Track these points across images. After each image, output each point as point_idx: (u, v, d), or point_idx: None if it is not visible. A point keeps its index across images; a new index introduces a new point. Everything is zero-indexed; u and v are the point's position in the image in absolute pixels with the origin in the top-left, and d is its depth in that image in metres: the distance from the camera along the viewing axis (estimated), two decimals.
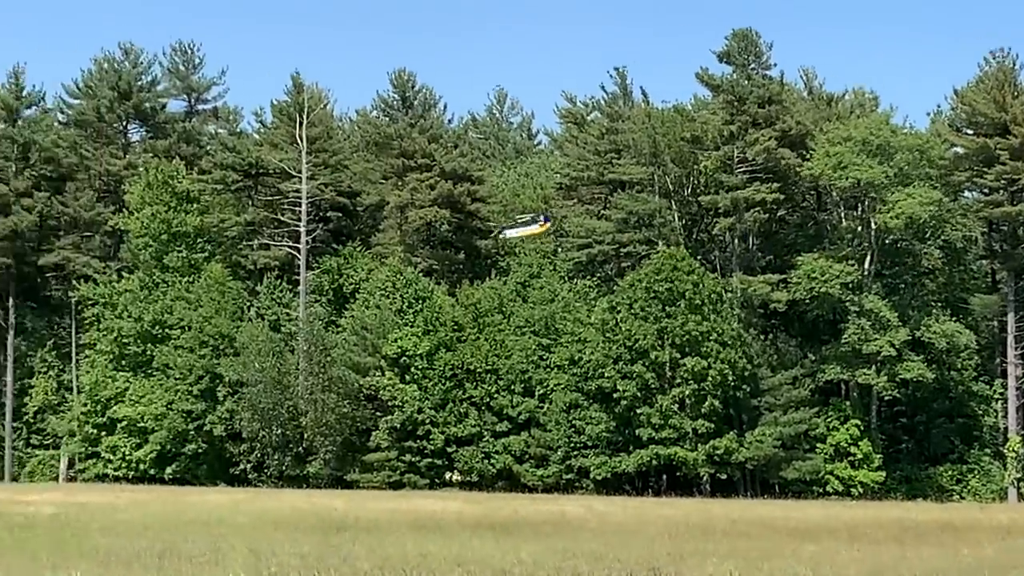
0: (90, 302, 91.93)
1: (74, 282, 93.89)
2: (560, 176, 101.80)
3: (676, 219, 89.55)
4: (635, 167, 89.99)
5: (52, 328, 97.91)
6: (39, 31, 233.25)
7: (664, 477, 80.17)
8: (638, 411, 77.35)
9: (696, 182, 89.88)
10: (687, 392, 77.29)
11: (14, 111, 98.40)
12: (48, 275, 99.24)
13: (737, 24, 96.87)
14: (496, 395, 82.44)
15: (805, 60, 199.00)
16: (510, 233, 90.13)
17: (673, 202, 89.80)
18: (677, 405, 77.72)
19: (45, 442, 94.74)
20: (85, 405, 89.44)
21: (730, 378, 77.47)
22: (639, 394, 77.50)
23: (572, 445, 79.60)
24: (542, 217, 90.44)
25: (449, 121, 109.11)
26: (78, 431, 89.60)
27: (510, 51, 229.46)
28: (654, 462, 77.79)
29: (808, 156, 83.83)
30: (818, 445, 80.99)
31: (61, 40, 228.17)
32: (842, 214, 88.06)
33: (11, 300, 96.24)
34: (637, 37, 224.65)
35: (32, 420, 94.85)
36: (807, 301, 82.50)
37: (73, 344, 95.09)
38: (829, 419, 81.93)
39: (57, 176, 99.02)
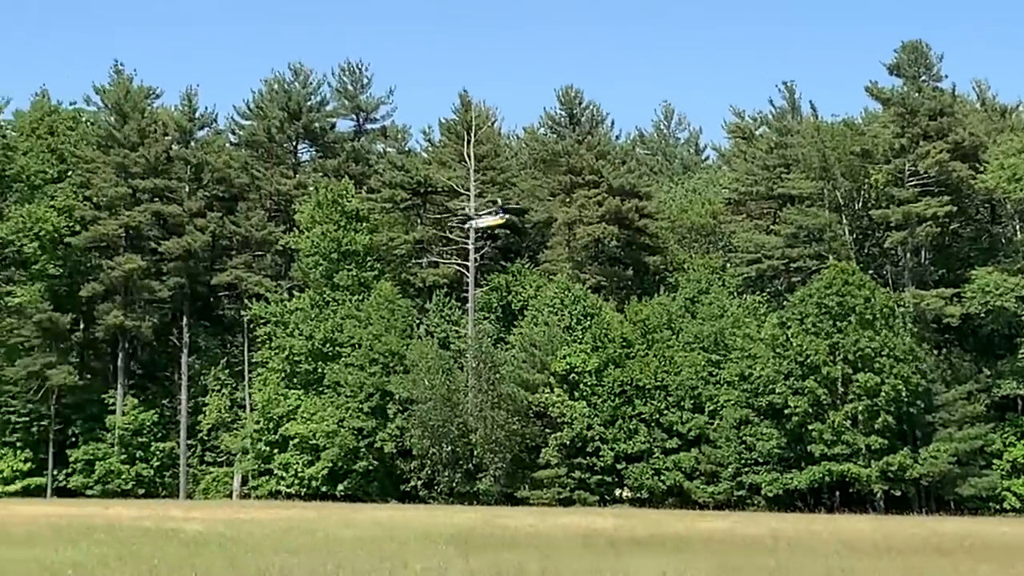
0: (262, 321, 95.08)
1: (246, 301, 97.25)
2: (728, 191, 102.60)
3: (847, 233, 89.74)
4: (804, 181, 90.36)
5: (225, 347, 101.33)
6: (211, 54, 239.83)
7: (837, 494, 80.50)
8: (810, 427, 77.77)
9: (867, 196, 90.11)
10: (859, 408, 77.53)
11: (187, 132, 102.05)
12: (220, 294, 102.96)
13: (907, 36, 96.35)
14: (666, 411, 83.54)
15: (977, 71, 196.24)
16: (476, 224, 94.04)
17: (843, 216, 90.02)
18: (849, 421, 78.06)
19: (219, 459, 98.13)
20: (258, 423, 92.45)
21: (903, 394, 77.66)
22: (810, 410, 77.97)
23: (743, 461, 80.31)
24: (501, 210, 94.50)
25: (616, 137, 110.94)
26: (251, 448, 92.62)
27: (677, 67, 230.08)
28: (826, 478, 78.16)
29: (981, 168, 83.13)
30: (994, 461, 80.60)
31: (232, 62, 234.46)
32: (1017, 227, 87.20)
33: (185, 319, 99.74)
34: (805, 51, 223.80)
35: (206, 438, 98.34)
36: (982, 315, 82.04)
37: (245, 362, 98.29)
38: (1005, 435, 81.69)
39: (229, 196, 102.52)
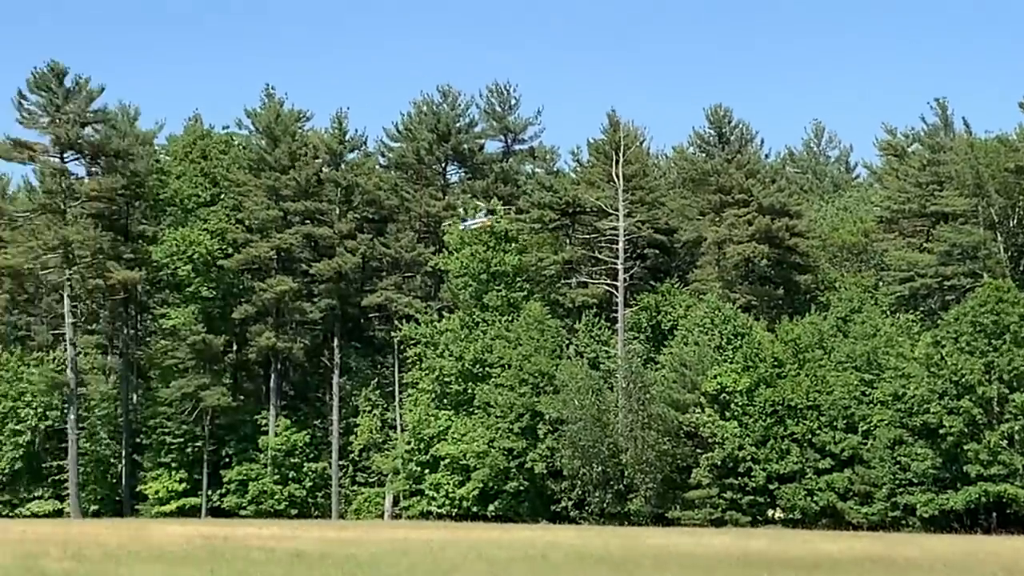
0: (412, 341, 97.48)
1: (396, 322, 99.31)
2: (880, 209, 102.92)
3: (1002, 251, 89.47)
4: (958, 199, 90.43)
5: (376, 367, 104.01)
6: (361, 77, 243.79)
7: (994, 515, 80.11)
8: (965, 447, 77.68)
9: (1022, 213, 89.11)
10: (1016, 428, 77.23)
11: (338, 155, 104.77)
12: (371, 315, 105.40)
13: None
14: (818, 431, 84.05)
15: None
16: (465, 226, 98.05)
17: (998, 233, 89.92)
18: (1006, 441, 77.77)
19: (371, 480, 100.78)
20: (409, 443, 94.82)
21: None
22: (966, 430, 77.49)
23: (897, 482, 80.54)
24: (490, 213, 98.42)
25: (766, 156, 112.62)
26: (402, 469, 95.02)
27: (827, 84, 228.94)
28: (983, 499, 78.18)
29: None
30: None
31: (382, 85, 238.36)
32: None
33: (336, 341, 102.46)
34: (958, 67, 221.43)
35: (358, 458, 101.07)
36: None
37: (396, 383, 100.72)
38: None
39: (379, 218, 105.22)
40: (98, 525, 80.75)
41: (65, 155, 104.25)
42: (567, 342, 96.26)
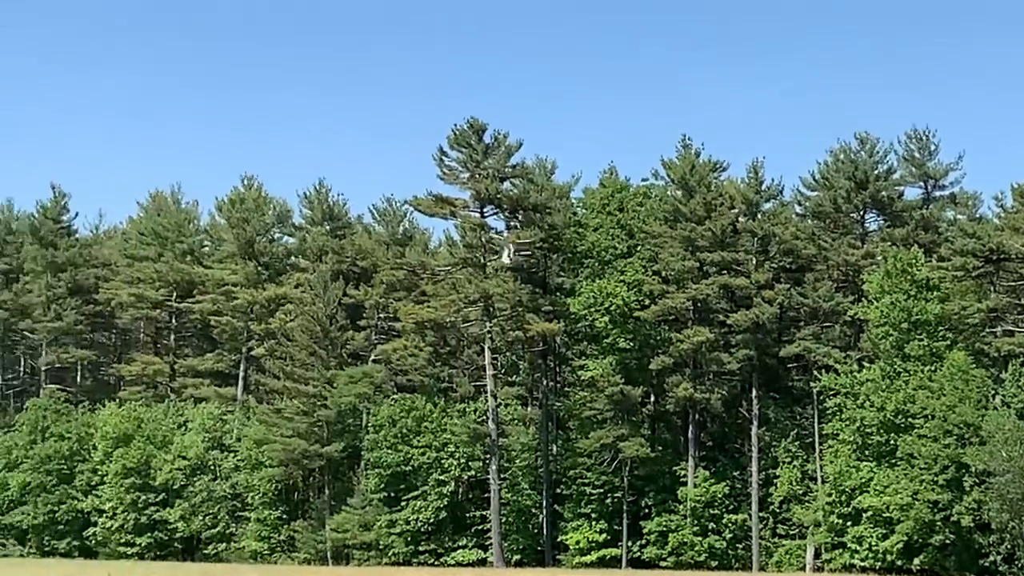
0: (831, 392, 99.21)
1: (815, 372, 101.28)
2: None
3: None
4: None
5: (794, 418, 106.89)
6: (777, 126, 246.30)
7: None
8: None
9: None
10: None
11: (754, 205, 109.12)
12: (789, 366, 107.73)
13: None
14: None
15: None
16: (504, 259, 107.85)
17: None
18: None
19: (791, 532, 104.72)
20: (829, 495, 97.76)
21: None
22: None
23: None
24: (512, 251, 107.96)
25: None
26: (823, 521, 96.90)
27: None
28: None
29: None
30: None
31: (798, 134, 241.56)
32: None
33: (754, 391, 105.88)
34: None
35: (777, 510, 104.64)
36: None
37: (815, 434, 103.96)
38: None
39: (796, 267, 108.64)
40: (522, 574, 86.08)
41: (485, 210, 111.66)
42: (993, 392, 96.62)
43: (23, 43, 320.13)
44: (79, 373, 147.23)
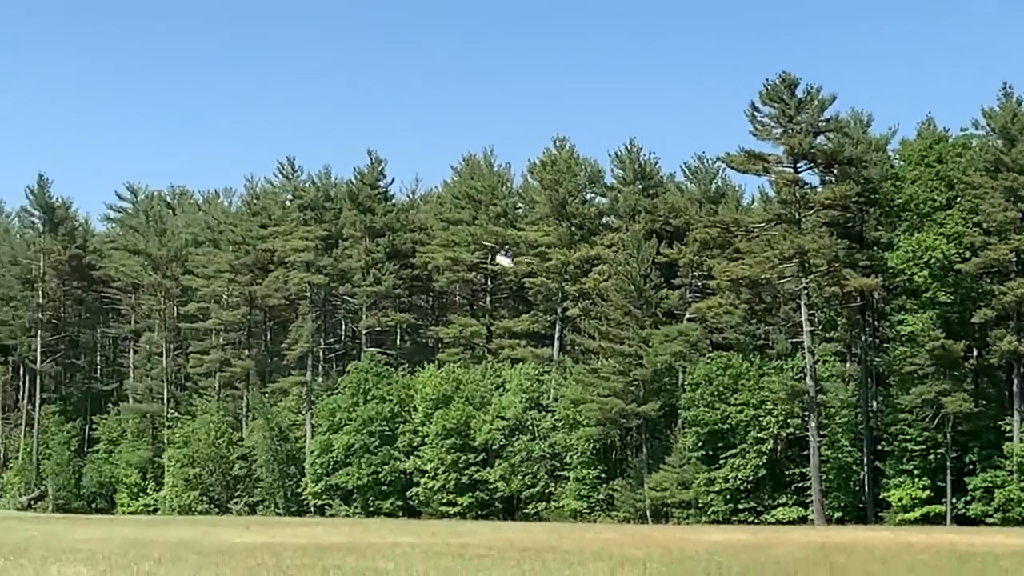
0: None
1: None
2: None
3: None
4: None
5: None
6: None
7: None
8: None
9: None
10: None
11: None
12: None
13: None
14: None
15: None
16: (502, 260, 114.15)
17: None
18: None
19: None
20: None
21: None
22: None
23: None
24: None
25: None
26: None
27: None
28: None
29: None
30: None
31: None
32: None
33: None
34: None
35: None
36: None
37: None
38: None
39: None
40: (843, 532, 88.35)
41: (798, 165, 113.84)
42: None
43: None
44: (398, 336, 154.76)
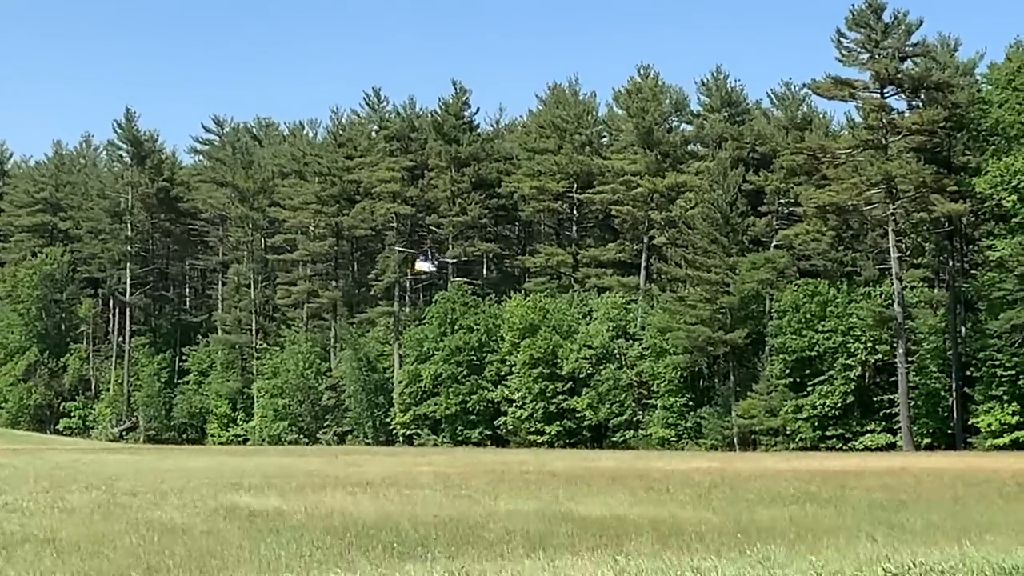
0: None
1: None
2: None
3: None
4: None
5: None
6: None
7: None
8: None
9: None
10: None
11: None
12: None
13: None
14: None
15: None
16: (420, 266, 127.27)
17: None
18: None
19: None
20: None
21: None
22: None
23: None
24: (436, 261, 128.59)
25: None
26: None
27: None
28: None
29: None
30: None
31: None
32: None
33: None
34: None
35: None
36: None
37: None
38: None
39: None
40: (932, 458, 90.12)
41: (885, 90, 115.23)
42: None
43: None
44: (484, 266, 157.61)
